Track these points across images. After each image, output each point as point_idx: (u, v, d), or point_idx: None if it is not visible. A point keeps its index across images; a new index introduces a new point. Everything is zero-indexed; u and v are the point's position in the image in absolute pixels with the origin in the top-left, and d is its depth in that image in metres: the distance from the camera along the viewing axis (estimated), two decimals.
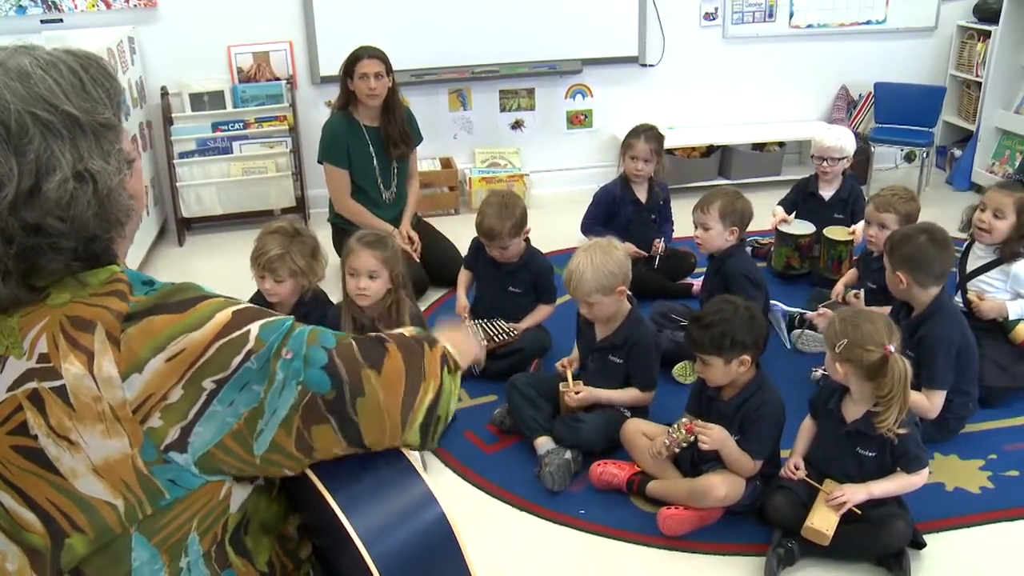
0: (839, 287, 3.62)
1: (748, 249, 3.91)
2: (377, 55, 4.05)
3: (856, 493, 2.36)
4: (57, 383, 0.98)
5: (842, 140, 4.08)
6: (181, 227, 4.89)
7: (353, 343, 1.14)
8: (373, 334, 1.19)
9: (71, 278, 1.03)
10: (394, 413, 1.13)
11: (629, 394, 2.91)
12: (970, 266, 3.37)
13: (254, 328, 1.05)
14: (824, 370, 2.63)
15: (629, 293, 2.95)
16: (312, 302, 3.12)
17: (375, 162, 4.19)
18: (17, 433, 0.99)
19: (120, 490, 1.00)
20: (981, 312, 3.21)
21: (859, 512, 2.35)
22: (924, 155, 5.35)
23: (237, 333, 1.03)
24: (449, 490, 2.76)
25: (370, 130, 4.17)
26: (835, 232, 4.02)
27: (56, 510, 1.01)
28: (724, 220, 3.35)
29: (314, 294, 3.15)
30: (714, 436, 2.49)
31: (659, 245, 4.07)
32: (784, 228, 4.15)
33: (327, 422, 1.08)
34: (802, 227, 4.14)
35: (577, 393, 2.89)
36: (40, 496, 1.00)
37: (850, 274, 3.70)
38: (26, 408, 0.98)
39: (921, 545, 2.42)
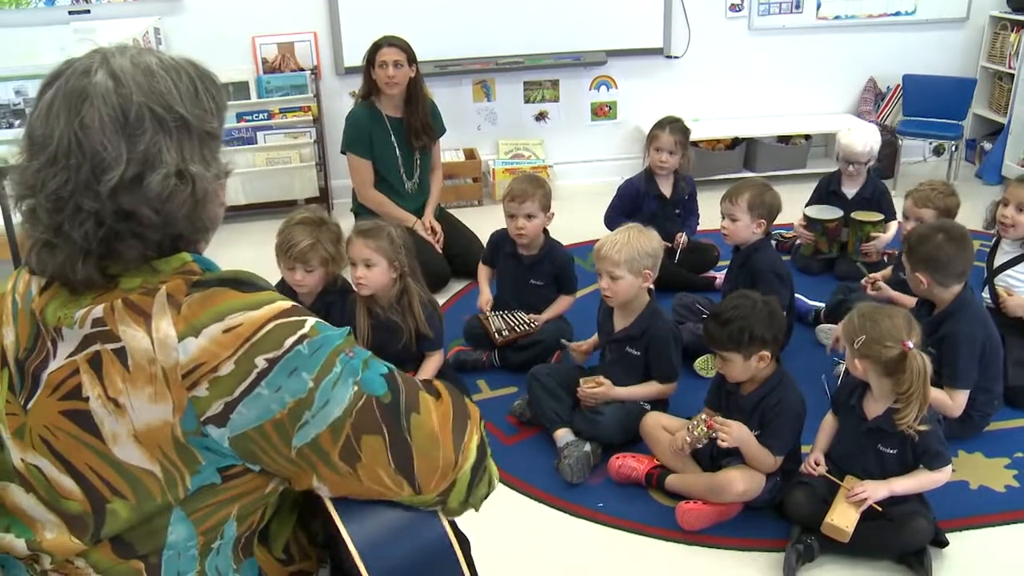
0: (877, 277, 3.58)
1: (772, 243, 3.87)
2: (397, 44, 4.05)
3: (877, 490, 2.33)
4: (117, 345, 1.01)
5: (870, 143, 4.03)
6: None
7: (412, 376, 1.16)
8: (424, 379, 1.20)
9: (145, 265, 1.06)
10: (447, 445, 1.12)
11: (650, 388, 2.90)
12: (997, 261, 3.32)
13: (311, 319, 1.07)
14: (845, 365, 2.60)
15: (650, 286, 2.93)
16: (338, 293, 3.15)
17: (397, 152, 4.20)
18: (70, 398, 1.03)
19: (157, 457, 1.02)
20: (1007, 308, 3.16)
21: (879, 509, 2.32)
22: (953, 148, 5.27)
23: (294, 318, 1.05)
24: None
25: (392, 120, 4.18)
26: (863, 215, 4.01)
27: (96, 476, 1.04)
28: (752, 212, 3.32)
29: (341, 284, 3.18)
30: (734, 434, 2.47)
31: (681, 239, 4.04)
32: (811, 213, 4.12)
33: (379, 432, 1.07)
34: (830, 211, 4.11)
35: (593, 387, 2.87)
36: (80, 462, 1.04)
37: (887, 271, 3.65)
38: (83, 371, 1.02)
39: (943, 544, 2.39)
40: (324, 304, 3.14)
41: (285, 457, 1.06)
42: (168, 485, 1.04)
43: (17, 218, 1.10)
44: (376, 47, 4.06)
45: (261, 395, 1.02)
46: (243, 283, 1.07)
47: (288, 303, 1.08)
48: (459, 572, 1.14)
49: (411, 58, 4.08)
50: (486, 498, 1.20)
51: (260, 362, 1.01)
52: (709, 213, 4.18)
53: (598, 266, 2.88)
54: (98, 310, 1.03)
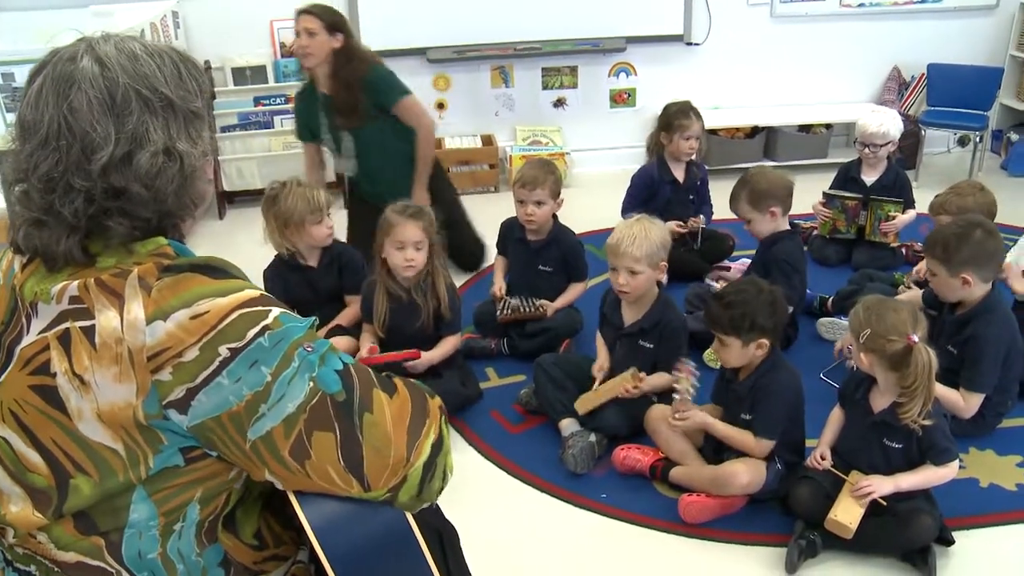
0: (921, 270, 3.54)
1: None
2: (312, 11, 3.61)
3: (883, 484, 2.30)
4: (88, 323, 1.04)
5: (886, 125, 3.95)
6: (222, 200, 4.94)
7: (368, 369, 1.17)
8: (384, 375, 1.21)
9: (121, 246, 1.09)
10: (400, 442, 1.13)
11: (662, 379, 2.85)
12: None
13: (275, 310, 1.08)
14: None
15: (662, 278, 2.91)
16: (337, 245, 3.30)
17: (325, 132, 3.88)
18: (39, 373, 1.06)
19: (120, 435, 1.05)
20: None
21: (884, 503, 2.29)
22: (978, 139, 5.18)
23: (259, 308, 1.07)
24: (471, 468, 2.76)
25: (325, 97, 3.78)
26: (882, 198, 3.95)
27: (60, 451, 1.06)
28: (758, 207, 3.29)
29: (342, 243, 3.33)
30: (695, 420, 2.52)
31: (699, 221, 4.00)
32: (831, 192, 4.07)
33: (331, 430, 1.08)
34: (850, 194, 4.06)
35: (635, 387, 2.76)
36: (46, 436, 1.07)
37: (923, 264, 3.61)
38: (52, 347, 1.05)
39: (949, 542, 2.36)
40: (329, 259, 3.28)
41: (240, 449, 1.07)
42: (131, 463, 1.06)
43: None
44: (295, 14, 3.67)
45: (221, 385, 1.03)
46: (214, 269, 1.09)
47: (256, 292, 1.09)
48: (419, 553, 1.14)
49: (332, 26, 3.61)
50: (440, 492, 1.20)
51: (223, 351, 1.03)
52: (726, 202, 4.13)
53: (615, 263, 2.83)
54: (73, 287, 1.05)
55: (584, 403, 2.84)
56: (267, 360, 1.05)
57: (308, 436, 1.07)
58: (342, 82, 3.65)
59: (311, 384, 1.08)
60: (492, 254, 4.18)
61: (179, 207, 1.14)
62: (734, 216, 4.24)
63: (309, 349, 1.09)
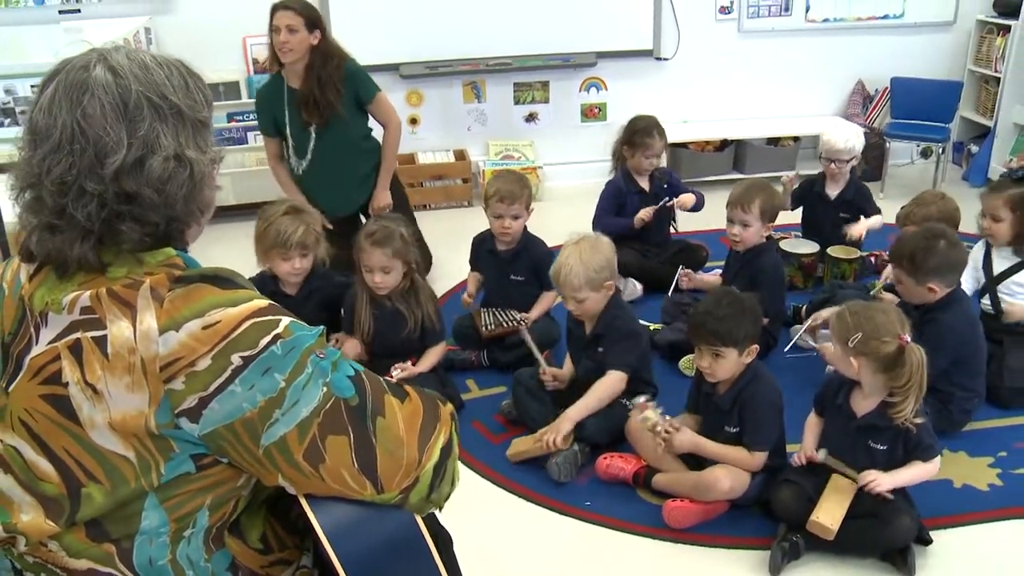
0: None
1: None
2: (292, 7, 3.66)
3: (884, 480, 2.33)
4: (100, 333, 1.05)
5: (851, 141, 3.97)
6: None
7: (378, 377, 1.20)
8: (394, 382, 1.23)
9: (131, 256, 1.10)
10: (411, 445, 1.15)
11: (605, 385, 2.83)
12: (996, 269, 3.29)
13: (285, 319, 1.11)
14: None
15: (617, 287, 2.95)
16: (321, 277, 3.22)
17: (289, 128, 3.87)
18: (50, 383, 1.07)
19: (132, 443, 1.06)
20: (1010, 315, 3.18)
21: (891, 497, 2.32)
22: (940, 151, 5.31)
23: (269, 317, 1.09)
24: None
25: (293, 92, 3.81)
26: (838, 251, 3.93)
27: (71, 459, 1.07)
28: (764, 216, 3.35)
29: (323, 271, 3.24)
30: (675, 441, 2.53)
31: (689, 200, 4.03)
32: (787, 247, 4.03)
33: (345, 433, 1.11)
34: (806, 246, 4.05)
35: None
36: (57, 445, 1.08)
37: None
38: (64, 357, 1.06)
39: (927, 541, 2.41)
40: (309, 290, 3.20)
41: (252, 455, 1.09)
42: (142, 471, 1.07)
43: (10, 215, 1.13)
44: (271, 11, 3.70)
45: (234, 392, 1.05)
46: (223, 280, 1.11)
47: (265, 302, 1.11)
48: (429, 557, 1.16)
49: (311, 23, 3.68)
50: (449, 496, 1.22)
51: (235, 359, 1.05)
52: (704, 214, 4.19)
53: (561, 293, 2.88)
54: (85, 297, 1.06)
55: (518, 452, 2.83)
56: (281, 367, 1.07)
57: (322, 440, 1.09)
58: (316, 78, 3.71)
59: (325, 389, 1.10)
60: (442, 268, 4.26)
61: (187, 213, 1.16)
62: (706, 228, 4.32)
63: (321, 356, 1.11)
